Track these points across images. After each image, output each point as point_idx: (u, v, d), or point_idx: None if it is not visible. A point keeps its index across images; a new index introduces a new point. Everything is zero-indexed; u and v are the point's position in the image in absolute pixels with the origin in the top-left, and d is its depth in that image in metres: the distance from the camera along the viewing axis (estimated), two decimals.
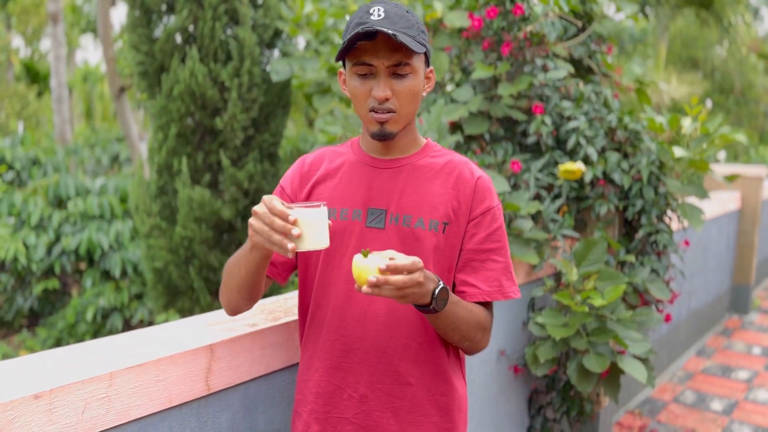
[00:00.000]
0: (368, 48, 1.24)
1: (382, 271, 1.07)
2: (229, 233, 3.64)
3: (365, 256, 1.12)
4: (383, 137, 1.30)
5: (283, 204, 1.12)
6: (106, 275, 5.59)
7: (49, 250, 5.61)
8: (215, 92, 3.46)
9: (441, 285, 1.17)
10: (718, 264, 5.10)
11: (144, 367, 1.32)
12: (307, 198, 1.41)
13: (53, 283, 5.58)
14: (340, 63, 1.57)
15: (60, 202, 5.96)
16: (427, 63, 1.34)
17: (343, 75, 1.36)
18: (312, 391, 1.38)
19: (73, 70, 19.61)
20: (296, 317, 1.66)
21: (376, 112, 1.27)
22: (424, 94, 1.34)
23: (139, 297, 5.42)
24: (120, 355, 1.34)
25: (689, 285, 4.33)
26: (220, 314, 1.66)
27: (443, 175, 1.34)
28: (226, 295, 1.37)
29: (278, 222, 1.10)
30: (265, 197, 1.15)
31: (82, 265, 6.05)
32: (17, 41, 19.57)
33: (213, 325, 1.56)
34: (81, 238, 5.43)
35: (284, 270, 1.43)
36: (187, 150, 3.53)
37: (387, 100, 1.26)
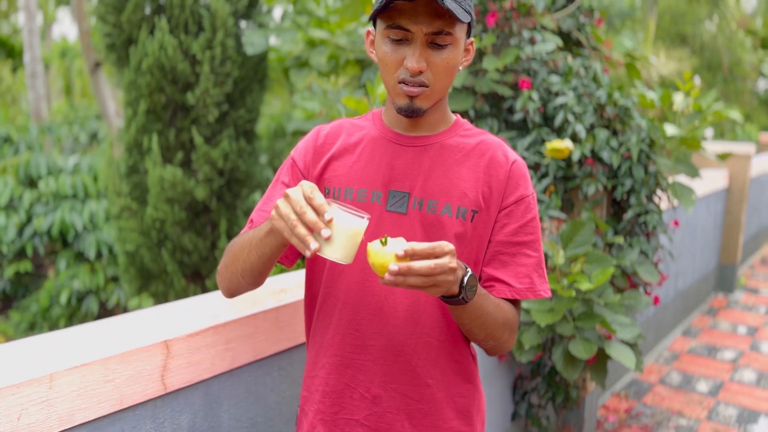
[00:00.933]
0: (407, 9, 1.07)
1: (400, 258, 0.94)
2: (203, 214, 3.49)
3: (384, 244, 0.98)
4: (411, 113, 1.15)
5: (323, 197, 0.98)
6: (81, 257, 5.43)
7: (20, 232, 5.42)
8: (186, 66, 3.28)
9: (470, 272, 1.03)
10: (705, 243, 5.04)
11: (89, 366, 1.20)
12: (321, 174, 1.25)
13: (25, 266, 5.41)
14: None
15: (31, 182, 5.77)
16: (469, 33, 1.18)
17: (371, 35, 1.20)
18: (318, 389, 1.26)
19: (50, 45, 19.11)
20: (265, 307, 1.55)
21: (407, 84, 1.12)
22: (460, 68, 1.18)
23: (115, 279, 5.27)
24: (62, 354, 1.21)
25: (676, 265, 4.26)
26: (178, 305, 1.53)
27: (474, 157, 1.20)
28: (227, 277, 1.22)
29: (310, 215, 0.96)
30: (305, 183, 1.00)
31: (57, 247, 5.88)
32: None
33: (170, 318, 1.44)
34: (53, 219, 5.25)
35: (293, 253, 1.27)
36: (158, 127, 3.36)
37: (421, 72, 1.11)
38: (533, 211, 1.21)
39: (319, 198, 0.97)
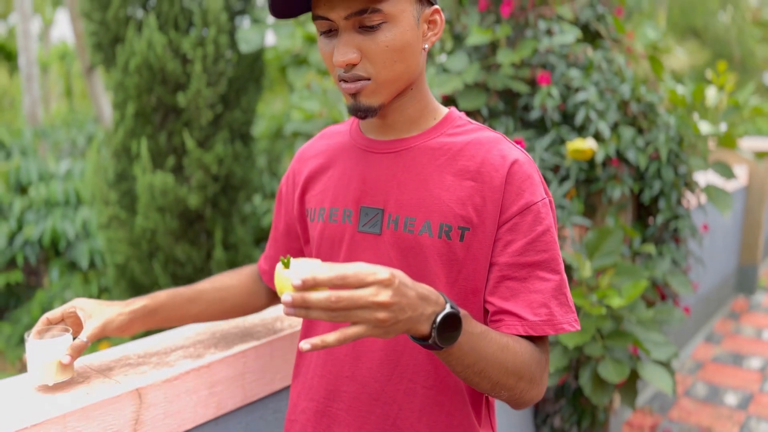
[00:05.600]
0: None
1: (297, 288, 0.71)
2: (197, 223, 3.28)
3: (286, 265, 0.79)
4: (361, 113, 0.94)
5: None
6: (73, 266, 5.22)
7: (11, 240, 5.21)
8: (177, 65, 3.06)
9: (448, 310, 0.79)
10: (725, 244, 4.82)
11: (41, 427, 0.98)
12: (302, 197, 1.11)
13: (16, 276, 5.20)
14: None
15: (23, 188, 5.56)
16: (427, 1, 0.94)
17: None
18: None
19: (50, 47, 18.95)
20: (258, 341, 1.33)
21: (345, 81, 0.92)
22: (426, 45, 0.95)
23: (109, 290, 5.06)
24: (7, 410, 1.00)
25: (696, 268, 4.04)
26: (152, 341, 1.31)
27: (463, 159, 0.97)
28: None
29: None
30: None
31: (49, 256, 5.67)
32: None
33: (144, 359, 1.22)
34: (45, 227, 5.05)
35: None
36: (148, 131, 3.14)
37: (353, 65, 0.90)
38: (546, 222, 0.95)
39: None
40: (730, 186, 4.58)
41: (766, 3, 14.16)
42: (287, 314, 0.73)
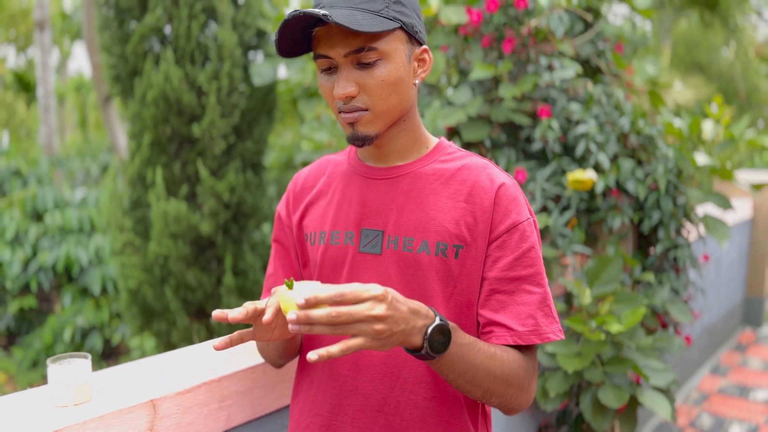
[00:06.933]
0: (322, 36, 0.99)
1: (301, 307, 0.80)
2: (208, 249, 3.36)
3: (290, 287, 0.87)
4: (359, 141, 1.03)
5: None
6: (86, 292, 5.30)
7: (25, 267, 5.32)
8: (192, 97, 3.18)
9: (437, 322, 0.88)
10: (731, 276, 4.83)
11: None
12: (300, 221, 1.18)
13: (30, 302, 5.29)
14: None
15: (38, 216, 5.68)
16: (417, 42, 1.05)
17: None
18: None
19: (66, 79, 19.38)
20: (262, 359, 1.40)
21: (344, 113, 1.02)
22: (416, 81, 1.06)
23: (120, 315, 5.13)
24: (32, 418, 1.07)
25: (701, 300, 4.06)
26: (166, 358, 1.38)
27: (455, 184, 1.06)
28: (267, 359, 1.27)
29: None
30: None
31: (63, 282, 5.77)
32: (8, 50, 19.33)
33: (157, 373, 1.29)
34: (59, 254, 5.15)
35: None
36: (163, 160, 3.25)
37: (352, 97, 1.00)
38: (531, 239, 1.04)
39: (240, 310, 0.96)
40: (734, 218, 4.63)
41: None
42: (292, 331, 0.82)
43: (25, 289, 5.52)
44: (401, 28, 1.01)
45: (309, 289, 0.84)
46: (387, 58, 1.00)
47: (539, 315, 1.02)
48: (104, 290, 5.35)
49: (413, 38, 1.04)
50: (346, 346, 0.82)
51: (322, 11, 0.93)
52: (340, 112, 1.03)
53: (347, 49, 0.98)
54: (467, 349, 0.93)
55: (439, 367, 0.92)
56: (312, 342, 1.16)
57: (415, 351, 0.89)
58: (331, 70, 1.02)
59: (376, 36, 0.98)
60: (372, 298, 0.82)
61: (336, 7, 0.96)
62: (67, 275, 5.43)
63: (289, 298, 0.86)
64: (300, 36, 1.01)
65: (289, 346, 1.16)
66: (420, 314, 0.87)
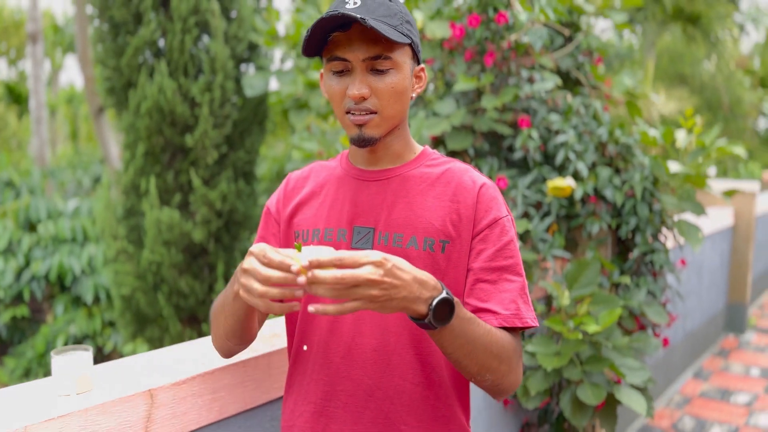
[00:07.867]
0: (342, 40, 1.08)
1: (305, 268, 0.87)
2: (201, 257, 3.43)
3: (299, 249, 0.93)
4: (363, 143, 1.13)
5: (279, 253, 0.91)
6: (78, 301, 5.35)
7: (18, 276, 5.36)
8: (185, 108, 3.27)
9: (443, 295, 0.95)
10: (713, 282, 4.94)
11: (66, 419, 1.13)
12: (290, 219, 1.24)
13: (22, 311, 5.33)
14: (318, 75, 1.40)
15: (31, 226, 5.73)
16: (417, 60, 1.17)
17: (323, 75, 1.19)
18: None
19: (57, 91, 19.41)
20: (256, 353, 1.48)
21: (354, 114, 1.11)
22: (413, 95, 1.17)
23: (112, 324, 5.17)
24: (37, 405, 1.14)
25: (684, 305, 4.16)
26: (163, 352, 1.46)
27: (440, 185, 1.16)
28: (216, 341, 1.23)
29: (275, 277, 0.90)
30: (254, 248, 0.93)
31: (55, 291, 5.81)
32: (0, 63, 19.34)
33: (154, 366, 1.37)
34: (51, 263, 5.20)
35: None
36: (156, 169, 3.33)
37: (364, 99, 1.09)
38: (510, 234, 1.15)
39: (275, 256, 0.90)
40: (716, 226, 4.74)
41: (756, 51, 14.59)
42: (298, 291, 0.89)
43: (18, 299, 5.55)
44: (410, 44, 1.12)
45: (315, 252, 0.91)
46: (397, 68, 1.10)
47: (520, 301, 1.11)
48: (97, 299, 5.39)
49: (416, 56, 1.16)
50: (343, 307, 0.89)
51: (359, 15, 1.02)
52: (348, 113, 1.11)
53: (366, 54, 1.07)
54: (467, 323, 1.01)
55: (440, 338, 1.00)
56: (304, 332, 1.22)
57: (418, 319, 0.97)
58: (343, 73, 1.11)
59: (393, 47, 1.08)
60: (370, 263, 0.89)
61: (358, 15, 1.05)
62: (60, 284, 5.48)
63: (297, 260, 0.91)
64: (318, 39, 1.09)
65: (246, 332, 1.19)
66: (427, 285, 0.94)
